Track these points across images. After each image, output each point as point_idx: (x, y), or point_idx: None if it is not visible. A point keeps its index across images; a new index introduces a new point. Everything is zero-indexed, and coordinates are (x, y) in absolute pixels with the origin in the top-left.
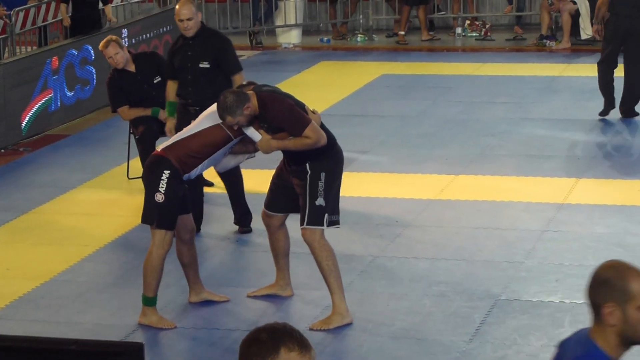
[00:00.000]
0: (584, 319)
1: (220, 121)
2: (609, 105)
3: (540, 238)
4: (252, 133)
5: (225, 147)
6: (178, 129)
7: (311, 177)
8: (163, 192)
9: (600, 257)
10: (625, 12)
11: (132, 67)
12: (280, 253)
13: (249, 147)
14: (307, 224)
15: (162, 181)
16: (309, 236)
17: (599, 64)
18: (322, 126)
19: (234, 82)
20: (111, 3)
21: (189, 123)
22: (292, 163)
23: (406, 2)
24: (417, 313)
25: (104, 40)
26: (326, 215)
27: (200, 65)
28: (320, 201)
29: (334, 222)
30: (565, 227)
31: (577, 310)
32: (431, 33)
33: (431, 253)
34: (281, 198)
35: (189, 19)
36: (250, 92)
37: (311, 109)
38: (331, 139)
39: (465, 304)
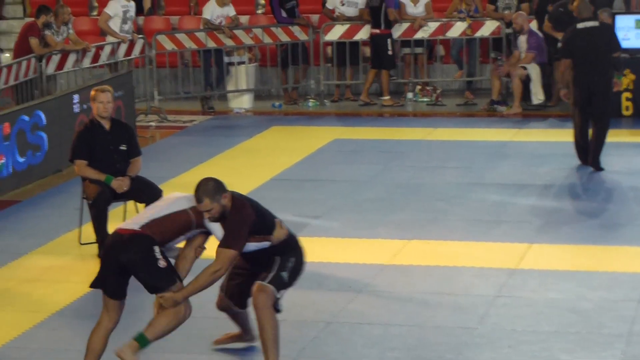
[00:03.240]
0: None
1: (186, 207)
2: (580, 154)
3: (493, 304)
4: (216, 229)
5: (184, 236)
6: None
7: (282, 258)
8: (162, 257)
9: (554, 322)
10: (587, 74)
11: (107, 126)
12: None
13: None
14: (267, 282)
15: (155, 253)
16: (262, 298)
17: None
18: (290, 235)
19: None
20: None
21: None
22: (258, 267)
23: (373, 66)
24: None
25: (100, 87)
26: (282, 290)
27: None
28: (284, 274)
29: (278, 305)
30: (518, 293)
31: None
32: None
33: (384, 319)
34: (244, 292)
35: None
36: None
37: (282, 225)
38: (296, 243)
39: None
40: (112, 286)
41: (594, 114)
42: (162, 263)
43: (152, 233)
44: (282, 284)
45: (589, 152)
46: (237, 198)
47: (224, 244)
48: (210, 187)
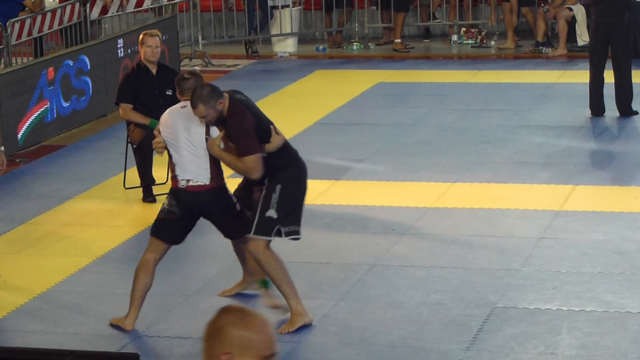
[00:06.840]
0: (582, 326)
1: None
2: (592, 104)
3: (537, 245)
4: (214, 132)
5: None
6: None
7: (267, 189)
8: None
9: (598, 263)
10: (604, 11)
11: (154, 70)
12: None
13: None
14: (252, 234)
15: (233, 199)
16: (253, 246)
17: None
18: (286, 144)
19: None
20: None
21: None
22: (253, 181)
23: (398, 9)
24: (415, 321)
25: (149, 30)
26: (278, 226)
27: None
28: (271, 213)
29: (291, 233)
30: (562, 234)
31: (575, 317)
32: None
33: (428, 261)
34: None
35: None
36: (225, 93)
37: (276, 131)
38: (293, 155)
39: (462, 312)
40: (178, 235)
41: (614, 54)
42: (238, 206)
43: (220, 178)
44: (270, 225)
45: (601, 100)
46: (234, 102)
47: (242, 153)
48: (205, 93)
